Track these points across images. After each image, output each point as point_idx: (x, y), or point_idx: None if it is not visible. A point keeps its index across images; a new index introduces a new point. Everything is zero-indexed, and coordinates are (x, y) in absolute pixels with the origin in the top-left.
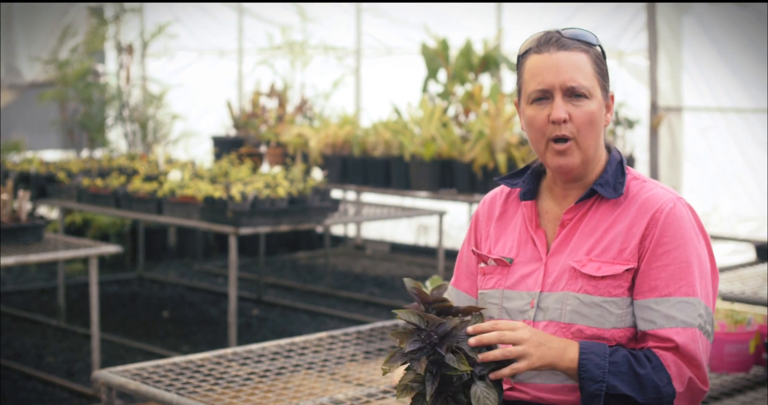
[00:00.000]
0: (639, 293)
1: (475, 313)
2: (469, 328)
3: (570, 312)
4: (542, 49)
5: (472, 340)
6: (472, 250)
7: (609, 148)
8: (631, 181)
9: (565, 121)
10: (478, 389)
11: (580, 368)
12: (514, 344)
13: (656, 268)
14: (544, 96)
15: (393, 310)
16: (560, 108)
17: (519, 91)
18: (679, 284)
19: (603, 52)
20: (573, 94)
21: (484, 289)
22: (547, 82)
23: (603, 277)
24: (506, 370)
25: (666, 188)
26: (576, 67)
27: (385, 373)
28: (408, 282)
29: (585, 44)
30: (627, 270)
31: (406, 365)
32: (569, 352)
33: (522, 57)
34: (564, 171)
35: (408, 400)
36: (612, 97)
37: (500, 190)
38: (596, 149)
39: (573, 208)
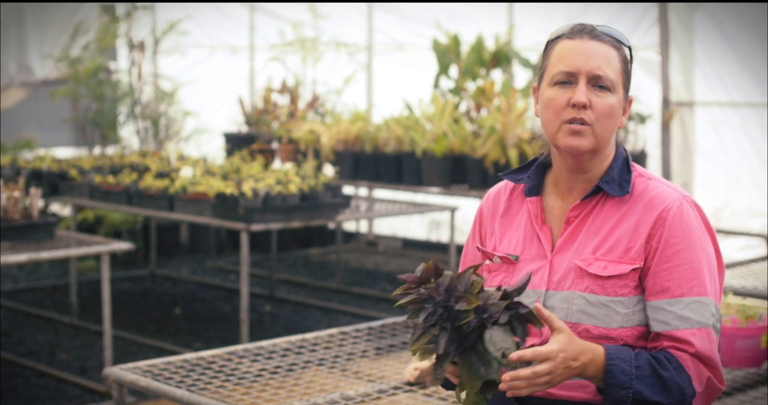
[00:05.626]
0: (651, 294)
1: (470, 270)
2: (512, 356)
3: (577, 312)
4: (575, 36)
5: (513, 356)
6: (477, 247)
7: (616, 145)
8: (636, 179)
9: (585, 107)
10: (493, 334)
11: (607, 374)
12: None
13: (667, 269)
14: (568, 80)
15: (395, 305)
16: (583, 93)
17: (542, 74)
18: (691, 284)
19: (631, 55)
20: (597, 83)
21: (490, 286)
22: (574, 66)
23: (609, 277)
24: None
25: (672, 186)
26: (605, 59)
27: (414, 353)
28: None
29: (617, 41)
30: (633, 269)
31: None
32: (595, 361)
33: (552, 42)
34: (574, 152)
35: (428, 364)
36: (630, 101)
37: (504, 185)
38: (608, 143)
39: (578, 205)
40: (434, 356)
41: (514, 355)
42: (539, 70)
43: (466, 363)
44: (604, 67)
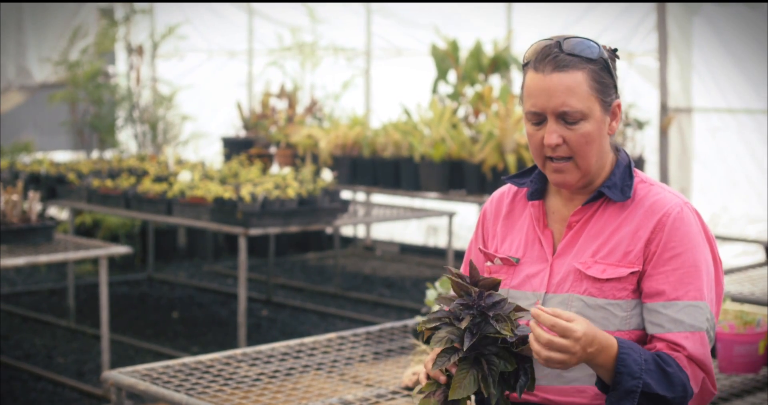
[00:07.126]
0: (647, 297)
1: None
2: (533, 310)
3: (575, 314)
4: (539, 66)
5: (533, 310)
6: (479, 249)
7: (617, 150)
8: (638, 184)
9: (558, 145)
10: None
11: (619, 363)
12: (563, 335)
13: (664, 273)
14: (539, 119)
15: (444, 276)
16: (552, 133)
17: (521, 99)
18: (687, 288)
19: (606, 60)
20: (566, 119)
21: None
22: (539, 106)
23: (608, 280)
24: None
25: (673, 192)
26: (569, 91)
27: (420, 330)
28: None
29: (584, 60)
30: (632, 273)
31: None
32: (607, 350)
33: (525, 67)
34: (563, 187)
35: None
36: (618, 105)
37: (507, 189)
38: (598, 161)
39: (580, 209)
40: (441, 348)
41: (539, 311)
42: (520, 93)
43: (465, 370)
44: (569, 100)
